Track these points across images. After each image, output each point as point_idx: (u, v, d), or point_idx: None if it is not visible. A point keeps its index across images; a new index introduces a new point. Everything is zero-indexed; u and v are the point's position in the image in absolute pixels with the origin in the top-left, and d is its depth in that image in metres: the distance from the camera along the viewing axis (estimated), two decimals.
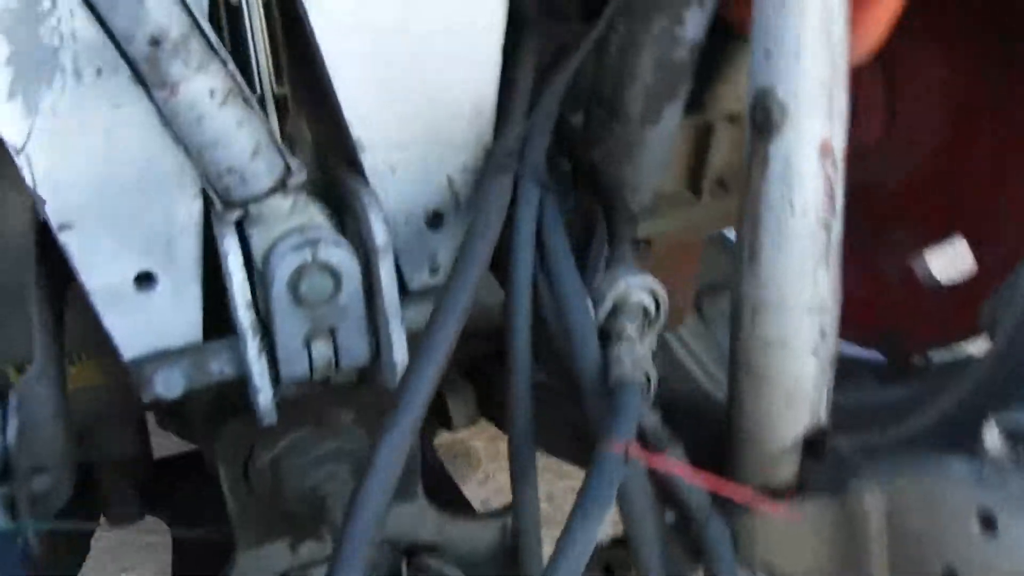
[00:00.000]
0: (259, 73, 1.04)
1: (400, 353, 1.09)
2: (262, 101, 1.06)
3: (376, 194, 1.07)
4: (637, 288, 1.05)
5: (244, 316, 1.02)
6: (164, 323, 1.07)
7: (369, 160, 1.10)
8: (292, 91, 1.08)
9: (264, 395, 1.05)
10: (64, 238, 1.01)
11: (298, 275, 1.02)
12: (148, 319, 1.06)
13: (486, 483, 2.55)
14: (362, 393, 1.24)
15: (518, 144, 1.11)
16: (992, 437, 0.92)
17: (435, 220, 1.14)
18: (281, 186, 1.00)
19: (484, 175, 1.10)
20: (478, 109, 1.12)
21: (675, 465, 0.97)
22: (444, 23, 1.07)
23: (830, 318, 0.97)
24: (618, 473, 0.87)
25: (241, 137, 0.94)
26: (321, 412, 1.25)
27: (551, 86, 1.10)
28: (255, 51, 1.03)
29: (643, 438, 0.96)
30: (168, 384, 1.06)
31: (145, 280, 1.05)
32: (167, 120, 0.93)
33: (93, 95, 0.95)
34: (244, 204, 1.00)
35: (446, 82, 1.10)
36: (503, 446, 1.05)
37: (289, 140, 1.09)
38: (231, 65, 0.92)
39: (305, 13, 1.01)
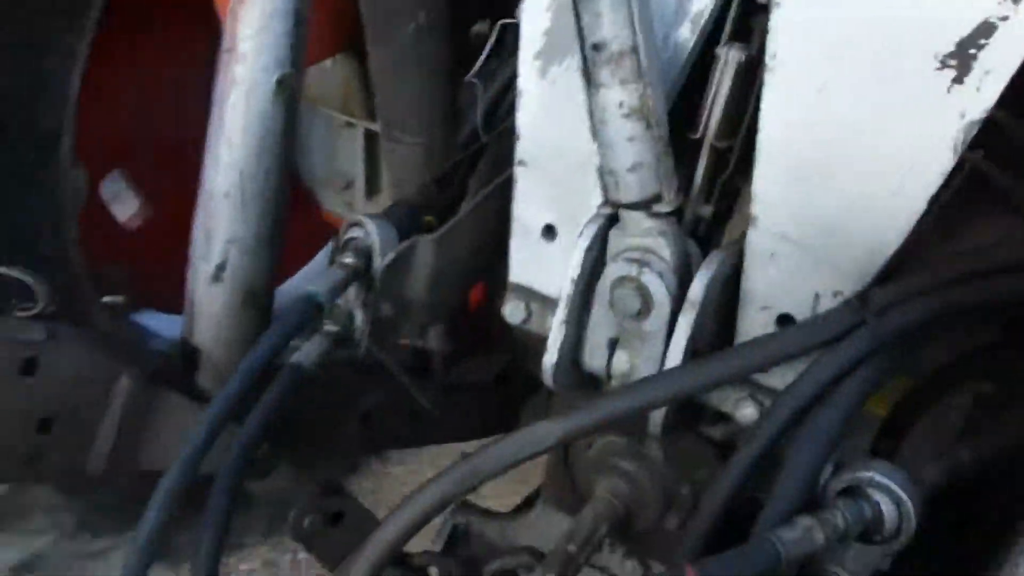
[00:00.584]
0: (708, 120, 1.18)
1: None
2: (699, 144, 1.20)
3: (719, 258, 1.13)
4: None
5: (567, 286, 1.19)
6: (542, 269, 1.30)
7: (755, 237, 1.15)
8: (743, 150, 1.19)
9: (550, 359, 1.21)
10: (518, 171, 1.31)
11: (619, 283, 1.16)
12: (536, 260, 1.31)
13: None
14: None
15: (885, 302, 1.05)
16: None
17: (780, 320, 1.15)
18: (646, 206, 1.14)
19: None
20: (873, 253, 1.08)
21: None
22: (881, 166, 1.06)
23: None
24: None
25: (628, 150, 1.11)
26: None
27: None
28: (712, 102, 1.17)
29: None
30: (513, 312, 1.31)
31: (548, 232, 1.30)
32: (589, 112, 1.14)
33: (575, 78, 1.20)
34: (615, 205, 1.16)
35: (857, 215, 1.09)
36: None
37: (718, 188, 1.21)
38: (650, 91, 1.09)
39: (761, 93, 1.11)
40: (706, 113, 1.19)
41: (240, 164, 1.32)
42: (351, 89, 1.89)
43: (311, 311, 1.24)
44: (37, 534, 1.96)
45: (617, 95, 1.09)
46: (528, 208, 1.32)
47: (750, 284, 1.18)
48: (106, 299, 1.89)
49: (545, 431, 1.04)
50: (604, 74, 1.09)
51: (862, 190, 1.08)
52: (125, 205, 2.27)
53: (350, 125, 2.07)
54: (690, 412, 1.22)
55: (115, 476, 1.30)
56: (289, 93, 1.33)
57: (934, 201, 1.07)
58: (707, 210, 1.24)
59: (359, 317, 1.33)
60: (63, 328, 1.24)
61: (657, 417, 1.17)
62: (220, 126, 1.31)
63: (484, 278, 1.48)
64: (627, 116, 1.10)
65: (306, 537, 1.48)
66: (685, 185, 1.22)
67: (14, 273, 1.16)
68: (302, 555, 2.70)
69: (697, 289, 1.12)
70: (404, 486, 2.97)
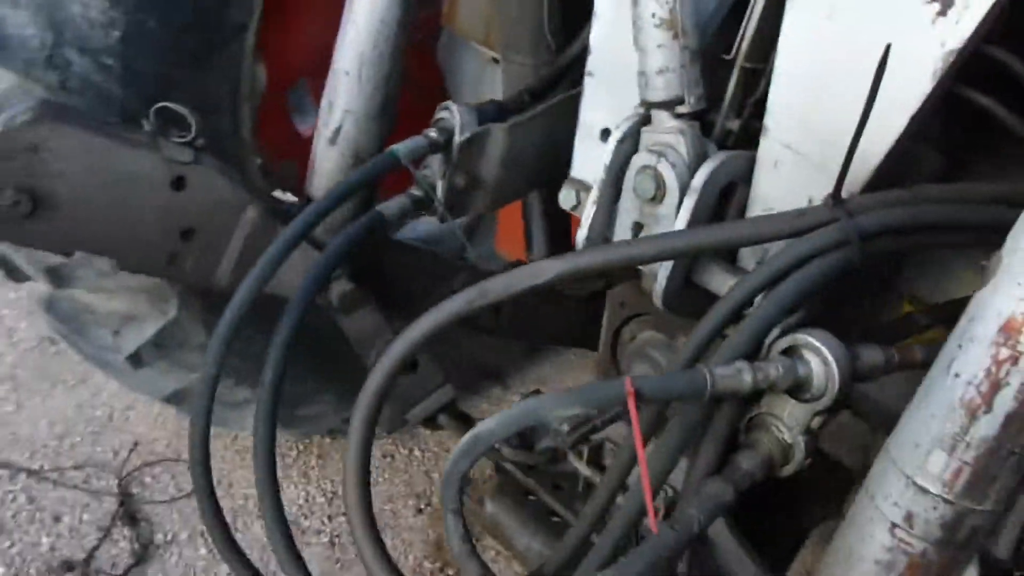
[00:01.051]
0: (740, 42, 1.36)
1: (662, 278, 1.35)
2: (732, 64, 1.38)
3: (723, 157, 1.31)
4: None
5: (601, 172, 1.41)
6: (595, 165, 1.52)
7: (765, 146, 1.33)
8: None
9: (582, 234, 1.43)
10: (586, 81, 1.53)
11: (641, 171, 1.36)
12: (591, 157, 1.53)
13: None
14: None
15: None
16: None
17: None
18: (669, 107, 1.34)
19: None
20: (861, 162, 1.23)
21: None
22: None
23: None
24: None
25: (656, 55, 1.32)
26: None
27: None
28: (745, 25, 1.35)
29: None
30: (566, 198, 1.53)
31: (604, 134, 1.51)
32: (632, 22, 1.35)
33: None
34: (646, 105, 1.37)
35: (850, 128, 1.23)
36: None
37: (749, 107, 1.38)
38: (679, 6, 1.29)
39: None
40: (740, 35, 1.36)
41: (361, 46, 1.60)
42: (494, 24, 2.14)
43: (390, 163, 1.52)
44: (192, 370, 2.35)
45: (651, 7, 1.30)
46: (591, 113, 1.54)
47: (756, 189, 1.35)
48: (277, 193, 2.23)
49: (547, 266, 1.26)
50: None
51: (856, 106, 1.23)
52: (304, 115, 2.64)
53: (495, 61, 2.32)
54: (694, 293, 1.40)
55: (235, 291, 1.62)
56: None
57: (915, 121, 1.21)
58: (735, 124, 1.41)
59: (440, 187, 1.59)
60: (208, 158, 1.57)
61: (659, 289, 1.37)
62: (350, 12, 1.61)
63: (550, 176, 1.69)
64: (658, 26, 1.31)
65: None
66: (717, 100, 1.40)
67: (172, 107, 1.50)
68: (417, 451, 3.02)
69: (699, 177, 1.31)
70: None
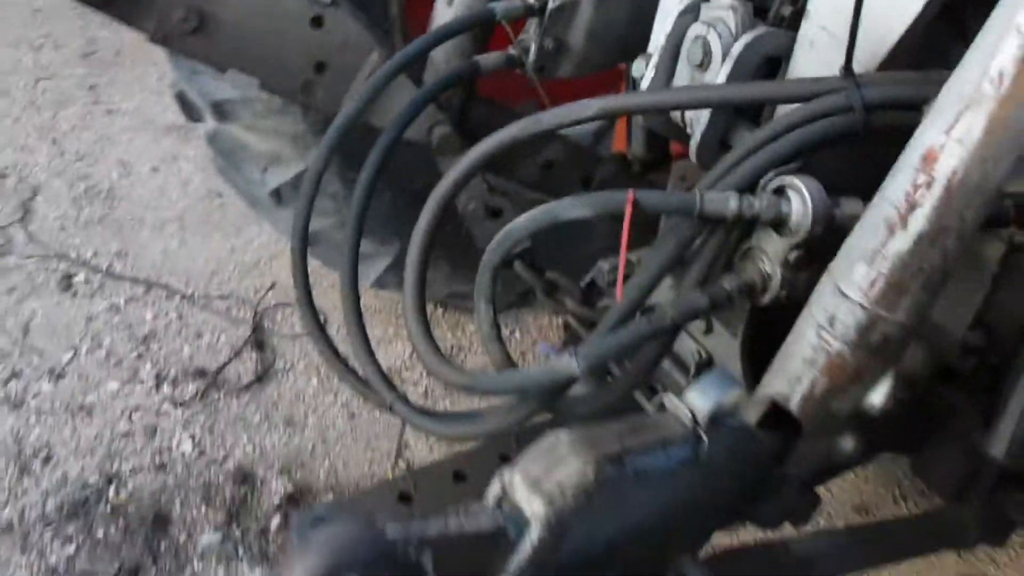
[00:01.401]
0: None
1: (698, 134, 1.55)
2: None
3: (761, 31, 1.49)
4: None
5: (661, 40, 1.61)
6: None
7: (805, 27, 1.50)
8: None
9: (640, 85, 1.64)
10: None
11: (693, 40, 1.56)
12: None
13: None
14: None
15: None
16: None
17: None
18: None
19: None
20: (880, 41, 1.39)
21: None
22: None
23: None
24: None
25: None
26: None
27: None
28: None
29: None
30: (636, 68, 1.73)
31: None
32: None
33: None
34: None
35: (874, 10, 1.39)
36: None
37: None
38: None
39: None
40: None
41: None
42: None
43: (485, 16, 1.76)
44: (322, 215, 2.69)
45: None
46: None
47: (794, 65, 1.52)
48: None
49: (591, 104, 1.48)
50: None
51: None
52: None
53: None
54: None
55: None
56: None
57: (930, 5, 1.35)
58: (788, 9, 1.57)
59: (532, 49, 1.83)
60: (345, 4, 1.86)
61: (694, 144, 1.57)
62: None
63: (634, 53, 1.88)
64: None
65: (469, 219, 2.03)
66: None
67: None
68: (517, 333, 3.29)
69: (737, 46, 1.49)
70: None
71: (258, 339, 3.16)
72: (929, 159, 1.08)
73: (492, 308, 1.53)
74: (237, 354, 3.10)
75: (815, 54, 1.49)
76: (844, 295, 1.17)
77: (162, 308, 3.28)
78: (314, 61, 1.90)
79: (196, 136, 4.06)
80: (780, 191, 1.35)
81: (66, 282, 3.34)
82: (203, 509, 2.63)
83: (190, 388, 2.97)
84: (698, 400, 1.04)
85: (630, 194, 1.31)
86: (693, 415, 1.01)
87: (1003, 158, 1.04)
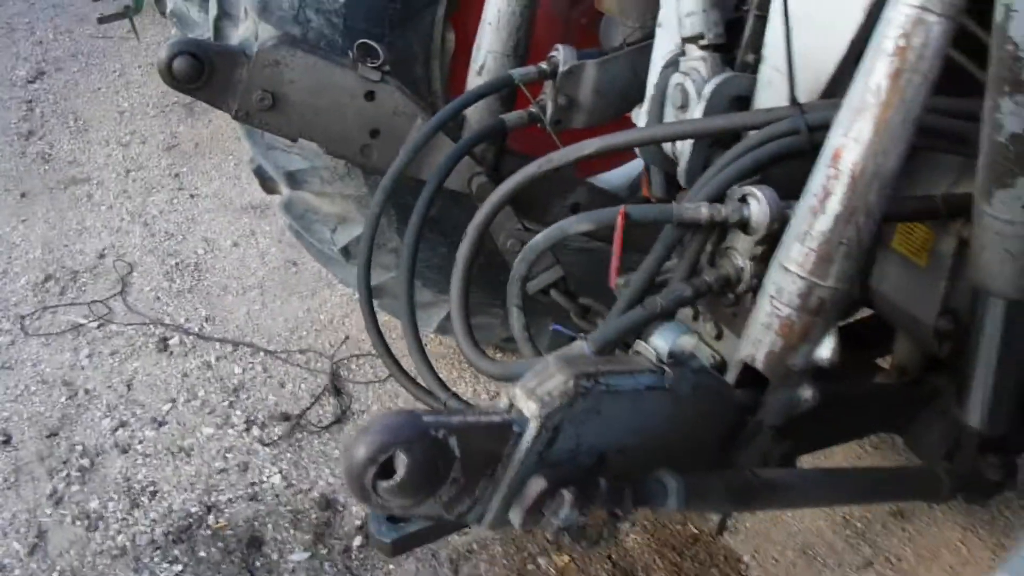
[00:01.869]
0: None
1: (683, 161, 1.89)
2: (747, 12, 1.90)
3: (726, 76, 1.84)
4: None
5: (650, 89, 1.96)
6: None
7: (762, 69, 1.85)
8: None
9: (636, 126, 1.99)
10: (657, 31, 2.09)
11: (675, 87, 1.91)
12: None
13: None
14: None
15: None
16: None
17: None
18: (694, 40, 1.88)
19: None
20: (817, 76, 1.73)
21: None
22: (828, 18, 1.71)
23: None
24: None
25: (686, 3, 1.86)
26: None
27: None
28: None
29: None
30: (636, 115, 2.09)
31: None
32: None
33: None
34: (682, 40, 1.91)
35: (813, 51, 1.73)
36: None
37: (753, 40, 1.90)
38: None
39: None
40: None
41: (499, 4, 2.23)
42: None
43: (506, 82, 2.14)
44: (385, 269, 3.07)
45: None
46: (658, 52, 2.09)
47: (756, 101, 1.86)
48: None
49: (590, 143, 1.83)
50: None
51: (818, 33, 1.72)
52: None
53: None
54: None
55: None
56: None
57: (855, 45, 1.68)
58: (752, 57, 1.92)
59: (548, 106, 2.20)
60: (393, 80, 2.25)
61: (681, 170, 1.90)
62: None
63: (632, 105, 2.23)
64: None
65: (508, 255, 2.38)
66: (738, 38, 1.92)
67: (368, 42, 2.18)
68: None
69: (707, 89, 1.84)
70: None
71: (335, 386, 3.53)
72: (836, 156, 1.40)
73: (523, 313, 1.87)
74: (317, 399, 3.47)
75: (772, 91, 1.83)
76: (787, 269, 1.48)
77: (248, 363, 3.68)
78: (369, 128, 2.29)
79: (270, 214, 4.55)
80: (743, 199, 1.67)
81: (162, 344, 3.77)
82: (292, 531, 2.97)
83: (277, 430, 3.35)
84: (659, 342, 1.34)
85: (622, 209, 1.65)
86: (656, 352, 1.32)
87: (891, 150, 1.36)
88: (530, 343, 1.88)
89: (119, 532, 2.98)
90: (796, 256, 1.46)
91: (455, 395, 1.96)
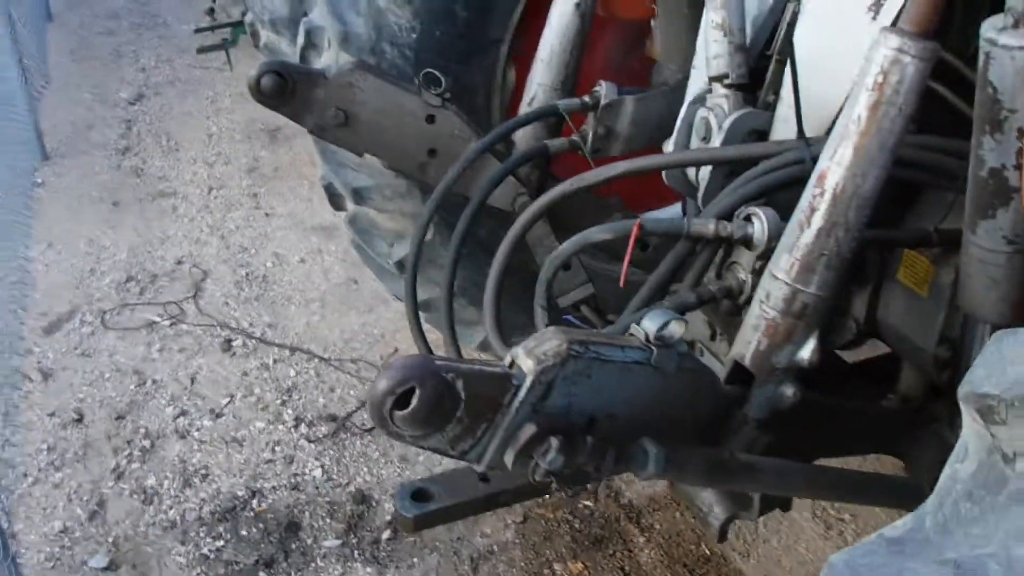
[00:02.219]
0: (775, 44, 2.09)
1: (702, 184, 2.09)
2: (770, 56, 2.11)
3: (744, 112, 2.04)
4: None
5: (678, 123, 2.18)
6: None
7: (779, 107, 2.04)
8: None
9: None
10: (692, 70, 2.31)
11: (701, 121, 2.12)
12: None
13: None
14: None
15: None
16: None
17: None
18: (720, 80, 2.09)
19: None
20: (825, 112, 1.92)
21: None
22: (832, 64, 1.91)
23: None
24: None
25: (713, 46, 2.08)
26: None
27: None
28: (778, 33, 2.08)
29: None
30: (665, 146, 2.30)
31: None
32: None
33: None
34: (709, 79, 2.13)
35: (822, 91, 1.93)
36: None
37: (775, 81, 2.10)
38: (729, 18, 2.05)
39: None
40: (775, 39, 2.09)
41: (551, 43, 2.47)
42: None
43: (551, 111, 2.37)
44: (434, 284, 3.30)
45: (713, 16, 2.08)
46: (692, 89, 2.30)
47: (773, 135, 2.06)
48: None
49: (618, 166, 2.05)
50: (709, 4, 2.08)
51: (825, 77, 1.92)
52: None
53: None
54: None
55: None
56: (584, 10, 2.45)
57: None
58: (772, 97, 2.12)
59: (589, 135, 2.42)
60: (452, 106, 2.49)
61: (700, 192, 2.10)
62: (548, 26, 2.50)
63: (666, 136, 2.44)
64: (715, 27, 2.08)
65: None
66: (761, 81, 2.13)
67: (432, 71, 2.44)
68: None
69: (726, 123, 2.05)
70: None
71: None
72: (821, 177, 1.59)
73: (547, 313, 2.07)
74: (363, 404, 3.69)
75: (786, 127, 2.03)
76: (775, 277, 1.66)
77: (303, 367, 3.93)
78: (428, 147, 2.53)
79: (337, 235, 4.84)
80: (747, 218, 1.86)
81: (227, 345, 4.06)
82: (327, 520, 3.19)
83: (323, 429, 3.58)
84: (649, 324, 1.52)
85: (637, 221, 1.85)
86: (645, 333, 1.50)
87: (868, 173, 1.55)
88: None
89: (171, 508, 3.23)
90: (784, 265, 1.65)
91: None
